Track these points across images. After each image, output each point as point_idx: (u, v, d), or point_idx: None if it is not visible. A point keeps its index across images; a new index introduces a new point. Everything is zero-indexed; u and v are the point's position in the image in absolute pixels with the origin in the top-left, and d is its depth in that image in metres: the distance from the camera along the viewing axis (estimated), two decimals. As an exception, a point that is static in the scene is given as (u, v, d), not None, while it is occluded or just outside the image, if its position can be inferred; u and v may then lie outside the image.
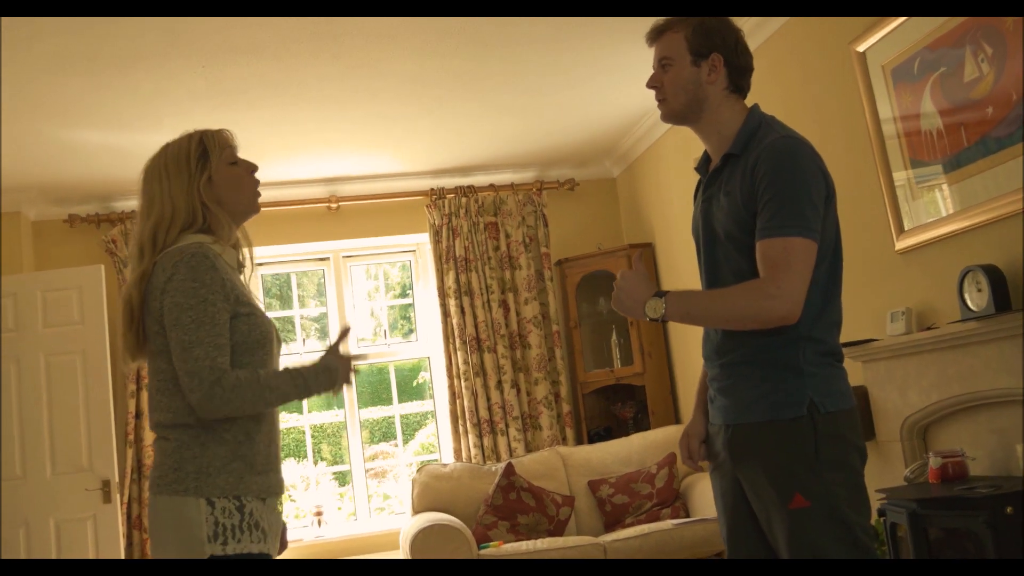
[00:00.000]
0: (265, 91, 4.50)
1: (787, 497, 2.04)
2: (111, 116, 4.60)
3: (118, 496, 5.17)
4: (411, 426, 6.92)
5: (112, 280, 5.66)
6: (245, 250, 2.27)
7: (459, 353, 5.95)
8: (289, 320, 6.48)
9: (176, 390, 2.01)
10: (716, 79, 2.27)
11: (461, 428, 5.94)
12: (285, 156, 5.48)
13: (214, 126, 4.67)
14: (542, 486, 5.13)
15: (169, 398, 2.02)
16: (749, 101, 2.32)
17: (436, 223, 6.11)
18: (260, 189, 2.27)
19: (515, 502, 4.97)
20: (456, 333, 5.97)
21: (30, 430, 5.19)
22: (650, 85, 2.37)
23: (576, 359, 6.12)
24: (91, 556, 5.11)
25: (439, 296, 6.06)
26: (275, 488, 2.09)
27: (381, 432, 6.79)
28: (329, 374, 2.10)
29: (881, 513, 3.17)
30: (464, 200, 6.13)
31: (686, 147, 5.21)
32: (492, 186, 6.20)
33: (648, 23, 2.35)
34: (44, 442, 5.19)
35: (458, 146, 5.75)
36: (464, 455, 5.88)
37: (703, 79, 2.27)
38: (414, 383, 6.75)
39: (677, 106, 2.33)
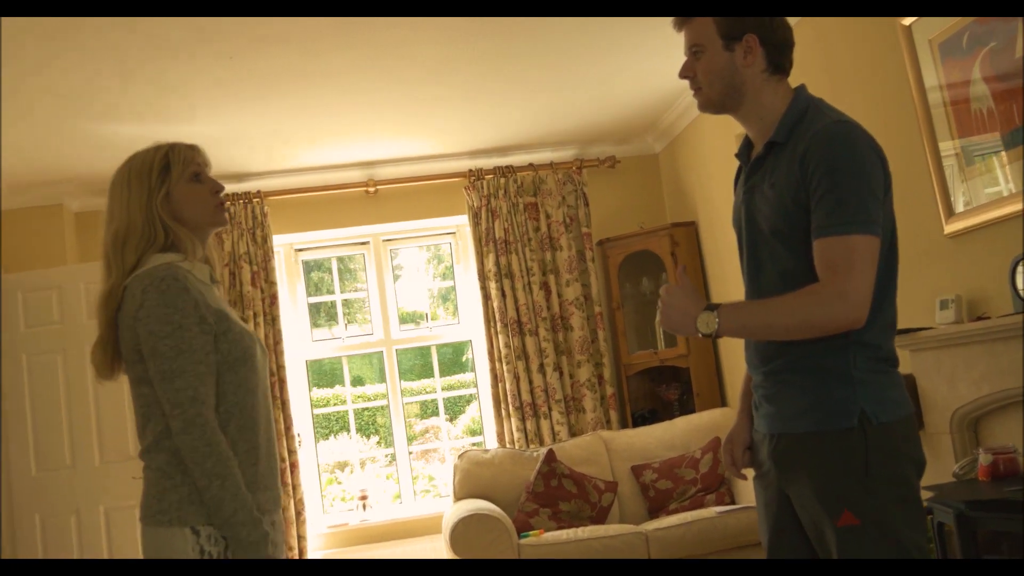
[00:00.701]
0: (294, 80, 4.45)
1: (835, 514, 1.92)
2: (143, 109, 4.58)
3: (164, 484, 5.22)
4: (459, 404, 6.91)
5: (154, 269, 5.70)
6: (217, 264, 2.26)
7: (500, 336, 5.89)
8: (331, 304, 6.47)
9: (159, 416, 1.99)
10: (753, 61, 2.11)
11: (503, 411, 5.89)
12: (320, 141, 5.44)
13: (246, 115, 4.73)
14: (584, 472, 5.07)
15: (152, 425, 2.01)
16: (794, 79, 2.17)
17: (475, 205, 6.03)
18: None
19: (556, 489, 4.91)
20: (497, 316, 5.91)
21: (78, 420, 5.26)
22: (683, 75, 2.23)
23: (619, 341, 6.03)
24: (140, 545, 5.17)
25: (479, 279, 5.99)
26: (265, 506, 2.06)
27: (431, 409, 6.77)
28: (255, 548, 1.97)
29: (928, 511, 3.05)
30: (503, 181, 6.04)
31: (731, 121, 5.04)
32: (531, 165, 6.10)
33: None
34: (92, 431, 5.27)
35: (495, 126, 5.65)
36: (507, 439, 5.84)
37: (739, 63, 2.12)
38: (463, 358, 6.72)
39: (714, 95, 2.18)
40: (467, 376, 6.55)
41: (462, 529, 4.44)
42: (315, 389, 6.44)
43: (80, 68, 4.04)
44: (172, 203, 2.12)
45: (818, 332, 1.92)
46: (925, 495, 3.11)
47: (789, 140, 2.08)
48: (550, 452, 5.02)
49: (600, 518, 4.91)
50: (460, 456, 5.27)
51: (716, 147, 5.40)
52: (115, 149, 5.02)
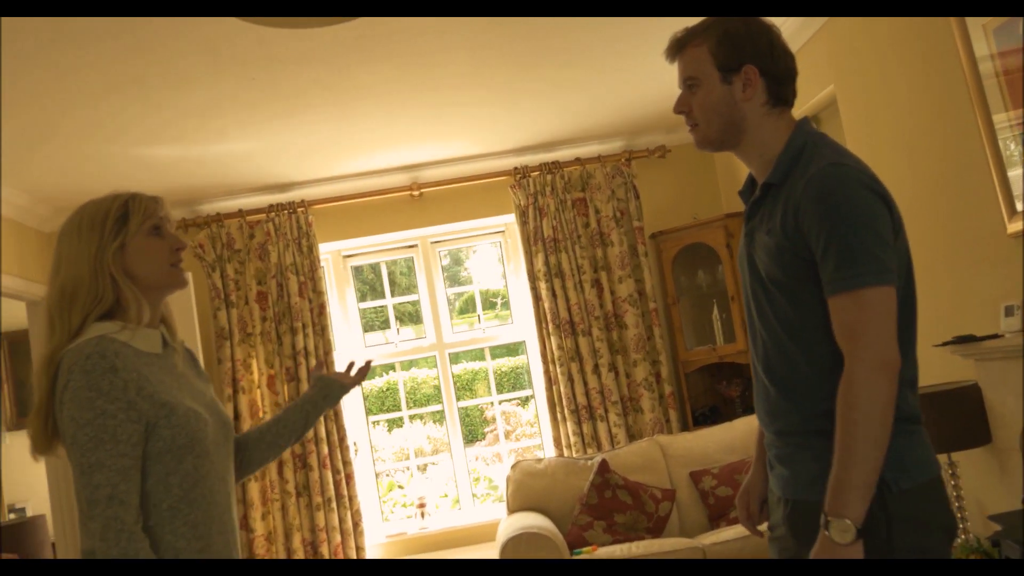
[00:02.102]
0: (322, 94, 4.35)
1: None
2: (172, 132, 4.54)
3: (220, 501, 5.22)
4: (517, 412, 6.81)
5: (201, 285, 5.69)
6: (170, 330, 2.04)
7: (552, 338, 5.74)
8: (382, 309, 6.40)
9: None
10: (753, 94, 1.94)
11: (559, 415, 5.75)
12: (360, 148, 5.34)
13: (279, 130, 4.63)
14: (640, 480, 4.90)
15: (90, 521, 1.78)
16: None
17: (522, 203, 5.87)
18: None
19: (611, 500, 4.76)
20: (548, 317, 5.76)
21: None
22: (677, 110, 2.06)
23: (676, 337, 5.82)
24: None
25: (529, 279, 5.84)
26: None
27: (511, 381, 6.68)
28: None
29: (995, 543, 2.82)
30: (549, 177, 5.86)
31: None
32: (578, 160, 5.91)
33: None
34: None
35: (538, 122, 5.47)
36: (563, 443, 5.70)
37: (737, 97, 1.95)
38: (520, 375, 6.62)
39: (712, 132, 2.01)
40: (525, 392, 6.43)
41: (512, 548, 4.33)
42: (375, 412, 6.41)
43: (107, 99, 4.01)
44: (126, 258, 1.92)
45: (889, 406, 1.72)
46: (991, 528, 2.89)
47: (785, 182, 1.91)
48: (603, 462, 4.87)
49: (657, 529, 4.74)
50: (513, 467, 5.15)
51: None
52: (153, 170, 5.09)
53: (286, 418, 2.23)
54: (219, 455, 1.95)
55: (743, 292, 2.05)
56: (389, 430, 7.84)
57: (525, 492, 4.97)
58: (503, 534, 4.51)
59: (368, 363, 2.34)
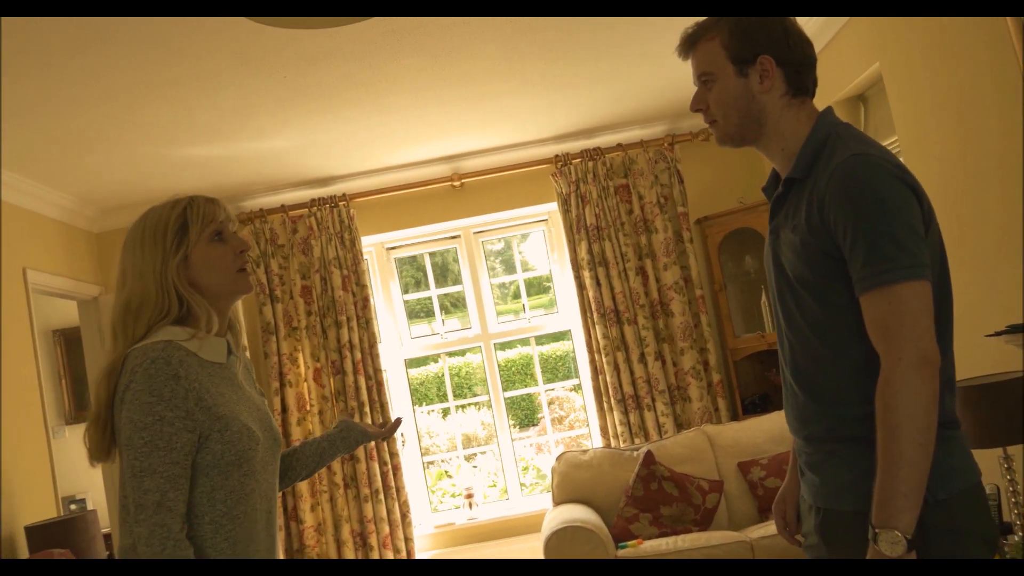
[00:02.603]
0: (355, 89, 4.32)
1: None
2: (210, 132, 4.57)
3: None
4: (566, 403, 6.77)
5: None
6: (234, 334, 2.02)
7: (597, 327, 5.67)
8: (427, 300, 6.40)
9: None
10: (771, 85, 1.87)
11: (606, 405, 5.70)
12: (399, 141, 5.31)
13: (315, 126, 4.63)
14: (687, 471, 4.83)
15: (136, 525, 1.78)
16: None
17: (563, 191, 5.80)
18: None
19: (657, 492, 4.70)
20: (593, 306, 5.69)
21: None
22: (694, 108, 1.99)
23: (724, 324, 5.72)
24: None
25: (572, 268, 5.78)
26: None
27: (562, 370, 6.64)
28: None
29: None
30: (591, 164, 5.78)
31: (831, 83, 4.65)
32: (620, 146, 5.81)
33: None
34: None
35: (578, 108, 5.38)
36: (610, 433, 5.65)
37: (755, 89, 1.88)
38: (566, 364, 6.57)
39: (731, 128, 1.94)
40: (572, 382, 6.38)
41: (556, 543, 4.29)
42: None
43: (141, 102, 4.04)
44: (190, 269, 1.88)
45: (932, 405, 1.63)
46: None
47: (809, 175, 1.84)
48: (648, 454, 4.80)
49: (705, 521, 4.67)
50: (558, 458, 5.11)
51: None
52: (195, 169, 5.13)
53: (302, 451, 2.22)
54: (266, 473, 1.94)
55: (770, 293, 1.98)
56: (444, 416, 7.88)
57: (570, 484, 4.94)
58: (547, 528, 4.48)
59: (399, 420, 2.30)
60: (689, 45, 1.93)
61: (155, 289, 1.85)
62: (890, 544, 1.60)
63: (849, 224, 1.70)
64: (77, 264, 5.33)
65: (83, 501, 6.63)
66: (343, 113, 4.64)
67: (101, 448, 1.85)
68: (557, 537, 4.30)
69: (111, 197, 5.34)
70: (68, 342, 6.71)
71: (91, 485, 6.48)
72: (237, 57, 3.74)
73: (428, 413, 7.31)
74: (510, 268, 6.65)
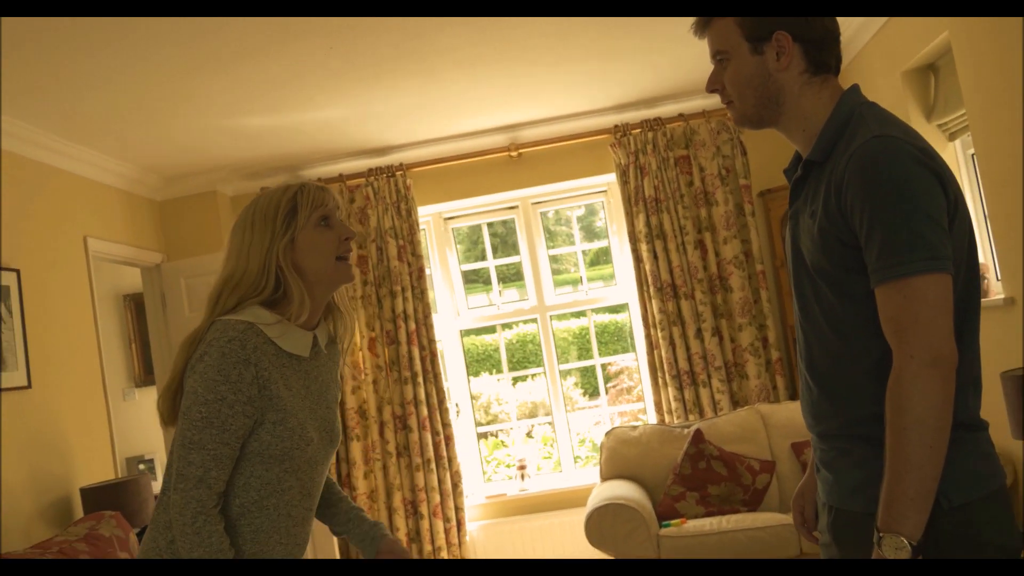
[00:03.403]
0: (404, 59, 4.29)
1: None
2: (259, 104, 4.59)
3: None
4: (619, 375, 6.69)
5: (304, 250, 5.79)
6: (339, 327, 2.05)
7: (654, 301, 5.58)
8: (484, 271, 6.37)
9: None
10: (788, 63, 1.78)
11: (661, 380, 5.61)
12: (453, 110, 5.27)
13: (369, 96, 4.63)
14: (737, 451, 4.73)
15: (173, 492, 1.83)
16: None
17: (622, 162, 5.70)
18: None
19: (705, 471, 4.62)
20: (650, 280, 5.60)
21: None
22: (709, 89, 1.91)
23: (785, 301, 5.56)
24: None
25: (630, 241, 5.68)
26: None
27: (623, 341, 6.58)
28: None
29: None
30: (651, 135, 5.65)
31: (899, 51, 4.45)
32: (681, 116, 5.67)
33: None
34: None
35: (636, 78, 5.26)
36: (664, 408, 5.57)
37: (771, 67, 1.79)
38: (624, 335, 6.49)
39: (748, 108, 1.86)
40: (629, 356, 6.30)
41: (597, 520, 4.26)
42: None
43: (190, 75, 4.06)
44: (295, 252, 1.90)
45: (945, 406, 1.54)
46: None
47: (829, 159, 1.73)
48: (698, 432, 4.72)
49: (754, 502, 4.57)
50: (607, 433, 5.06)
51: (884, 80, 4.78)
52: (251, 139, 5.18)
53: (336, 507, 2.22)
54: (311, 472, 1.94)
55: (790, 282, 1.90)
56: (514, 384, 7.89)
57: (618, 460, 4.89)
58: (589, 504, 4.44)
59: (407, 555, 2.27)
60: (703, 23, 1.85)
61: (257, 268, 1.88)
62: (894, 549, 1.53)
63: (866, 211, 1.60)
64: (139, 232, 5.44)
65: (151, 461, 6.84)
66: (395, 83, 4.61)
67: (171, 413, 1.89)
68: (598, 514, 4.26)
69: (172, 166, 5.43)
70: (138, 307, 6.89)
71: (159, 446, 6.68)
72: (282, 29, 3.73)
73: (498, 381, 7.32)
74: (568, 239, 6.58)
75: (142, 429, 6.68)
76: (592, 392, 9.94)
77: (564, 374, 6.86)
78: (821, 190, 1.72)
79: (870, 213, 1.60)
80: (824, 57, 1.80)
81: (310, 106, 4.75)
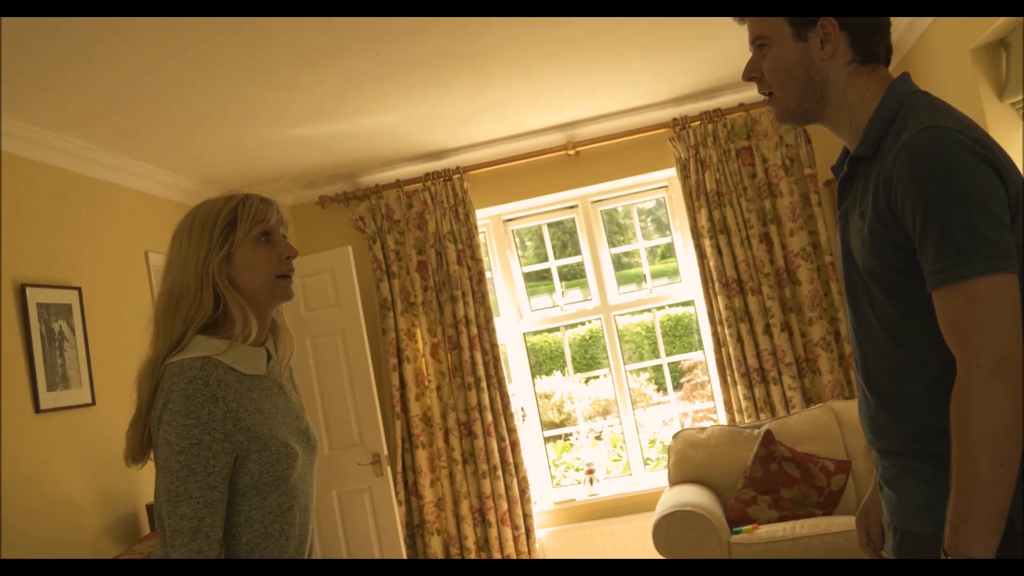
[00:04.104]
0: (452, 63, 4.22)
1: None
2: (310, 113, 4.57)
3: (388, 469, 5.33)
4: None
5: (363, 257, 5.78)
6: (280, 344, 1.97)
7: (719, 297, 5.42)
8: (546, 272, 6.29)
9: None
10: (833, 51, 1.66)
11: (729, 378, 5.45)
12: (507, 110, 5.18)
13: (419, 100, 4.59)
14: (810, 451, 4.56)
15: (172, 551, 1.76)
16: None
17: (682, 156, 5.55)
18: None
19: (776, 474, 4.45)
20: (714, 276, 5.44)
21: (307, 409, 5.45)
22: (747, 77, 1.80)
23: (857, 292, 5.34)
24: (370, 525, 5.35)
25: (692, 237, 5.53)
26: None
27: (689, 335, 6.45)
28: None
29: None
30: (711, 127, 5.50)
31: (966, 33, 4.23)
32: (742, 106, 5.50)
33: None
34: (320, 420, 5.46)
35: (693, 69, 5.10)
36: (734, 407, 5.40)
37: (815, 56, 1.68)
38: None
39: (790, 101, 1.74)
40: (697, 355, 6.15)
41: (664, 528, 4.13)
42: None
43: (239, 87, 4.05)
44: (232, 267, 1.84)
45: (1016, 417, 1.41)
46: None
47: (877, 153, 1.61)
48: (768, 433, 4.56)
49: (830, 504, 4.39)
50: (675, 436, 4.93)
51: (951, 59, 4.55)
52: (306, 148, 5.18)
53: None
54: (304, 485, 1.91)
55: (843, 286, 1.78)
56: (586, 382, 7.79)
57: (686, 463, 4.75)
58: (657, 511, 4.32)
59: None
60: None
61: (194, 283, 1.82)
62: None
63: (918, 210, 1.48)
64: (201, 245, 5.48)
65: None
66: (445, 86, 4.55)
67: (137, 450, 1.84)
68: (666, 522, 4.14)
69: (230, 178, 5.46)
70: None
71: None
72: (326, 37, 3.69)
73: (571, 381, 7.21)
74: (630, 237, 6.45)
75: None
76: (666, 388, 9.79)
77: (637, 370, 6.75)
78: (870, 188, 1.60)
79: (923, 211, 1.48)
80: (873, 46, 1.68)
81: (362, 113, 4.72)
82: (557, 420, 10.71)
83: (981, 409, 1.41)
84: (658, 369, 7.32)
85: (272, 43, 3.65)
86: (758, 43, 1.73)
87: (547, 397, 10.00)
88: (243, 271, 1.85)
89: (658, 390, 12.07)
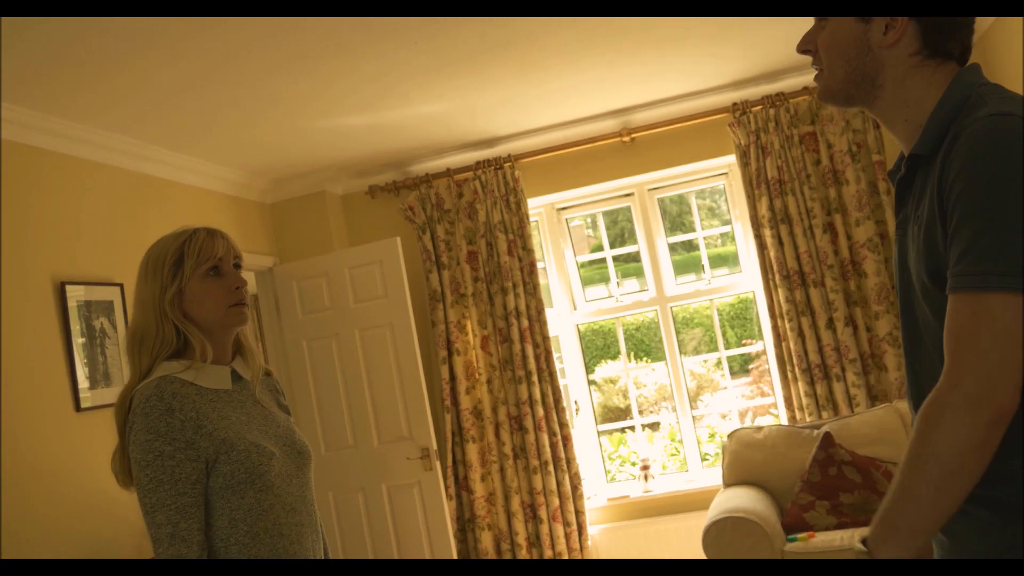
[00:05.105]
0: (494, 50, 4.08)
1: None
2: (353, 103, 4.47)
3: (438, 463, 5.25)
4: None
5: (412, 247, 5.68)
6: (247, 363, 2.09)
7: (780, 290, 5.19)
8: (601, 262, 6.12)
9: None
10: (897, 39, 1.47)
11: (790, 374, 5.23)
12: (557, 97, 5.01)
13: (465, 89, 4.46)
14: (872, 454, 4.33)
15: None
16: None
17: (742, 143, 5.32)
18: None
19: (835, 478, 4.24)
20: (775, 267, 5.21)
21: (355, 402, 5.41)
22: (800, 49, 1.63)
23: (927, 285, 5.07)
24: (420, 519, 5.28)
25: (752, 226, 5.31)
26: None
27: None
28: None
29: None
30: (773, 111, 5.25)
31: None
32: (806, 89, 5.24)
33: None
34: (368, 413, 5.40)
35: (754, 51, 4.86)
36: (795, 404, 5.19)
37: (874, 41, 1.48)
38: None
39: (834, 82, 1.57)
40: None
41: (715, 534, 3.96)
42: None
43: (286, 79, 3.97)
44: (184, 302, 1.96)
45: (971, 455, 1.28)
46: None
47: (937, 152, 1.41)
48: (827, 436, 4.34)
49: (892, 511, 4.17)
50: (730, 435, 4.74)
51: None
52: (354, 137, 5.09)
53: None
54: (288, 487, 1.97)
55: (898, 299, 1.60)
56: (650, 365, 7.64)
57: (742, 464, 4.57)
58: (708, 516, 4.15)
59: None
60: None
61: (154, 320, 1.95)
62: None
63: (959, 203, 1.30)
64: (250, 236, 5.45)
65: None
66: (489, 74, 4.41)
67: (123, 475, 1.96)
68: (716, 528, 3.97)
69: (278, 168, 5.41)
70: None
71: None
72: (362, 28, 3.59)
73: (629, 374, 7.05)
74: (688, 226, 6.24)
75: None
76: (736, 370, 9.56)
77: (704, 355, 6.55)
78: (927, 192, 1.41)
79: (963, 206, 1.29)
80: (946, 43, 1.47)
81: (406, 103, 4.61)
82: (622, 406, 10.56)
83: (943, 433, 1.28)
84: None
85: (303, 32, 3.55)
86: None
87: (612, 382, 9.85)
88: (195, 305, 1.96)
89: (724, 376, 11.84)
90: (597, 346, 10.23)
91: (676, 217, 6.45)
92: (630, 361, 11.20)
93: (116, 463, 1.94)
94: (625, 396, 10.80)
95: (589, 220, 7.14)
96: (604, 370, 8.69)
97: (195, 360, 1.94)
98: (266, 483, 1.91)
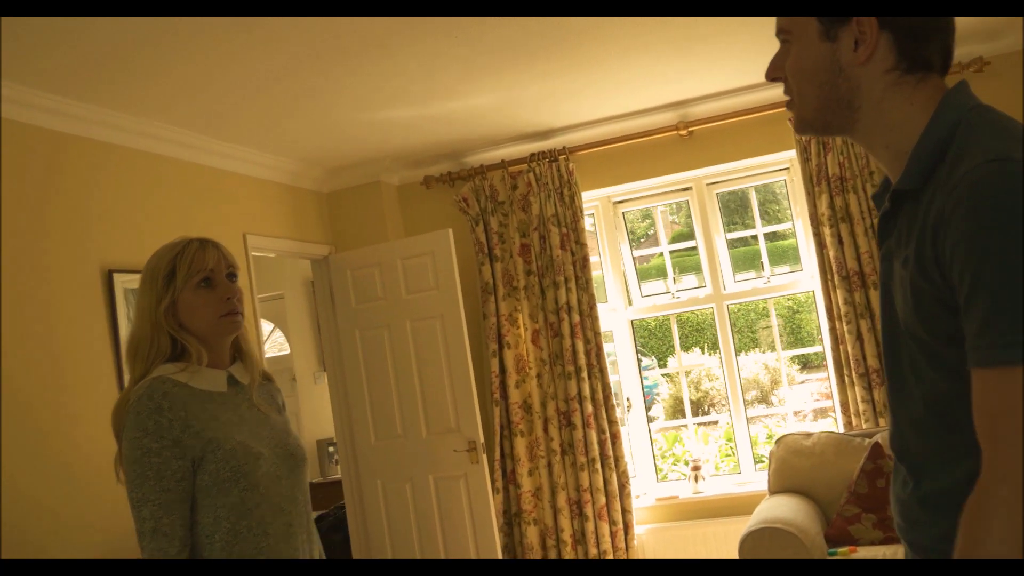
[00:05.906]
0: (540, 42, 4.01)
1: None
2: (399, 95, 4.45)
3: (484, 457, 5.24)
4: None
5: (464, 239, 5.65)
6: (245, 367, 2.16)
7: (839, 291, 5.02)
8: (658, 256, 6.01)
9: None
10: (868, 55, 1.35)
11: (847, 378, 5.06)
12: (610, 90, 4.92)
13: (511, 83, 4.40)
14: (926, 467, 4.16)
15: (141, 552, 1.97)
16: None
17: (802, 138, 5.15)
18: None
19: (884, 491, 4.09)
20: (834, 267, 5.04)
21: (405, 393, 5.44)
22: (769, 77, 1.52)
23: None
24: (466, 512, 5.28)
25: (812, 224, 5.14)
26: None
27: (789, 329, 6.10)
28: None
29: None
30: (836, 105, 5.05)
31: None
32: (872, 83, 5.03)
33: None
34: (418, 404, 5.42)
35: (817, 44, 4.69)
36: (851, 409, 5.02)
37: (844, 59, 1.37)
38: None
39: (807, 111, 1.46)
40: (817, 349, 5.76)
41: (751, 544, 3.86)
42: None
43: (329, 73, 3.98)
44: (178, 312, 2.04)
45: None
46: None
47: (926, 186, 1.29)
48: (875, 447, 4.18)
49: (943, 527, 4.00)
50: (777, 441, 4.61)
51: None
52: (407, 128, 5.10)
53: None
54: (276, 487, 2.02)
55: (882, 336, 1.48)
56: (718, 362, 7.49)
57: (788, 472, 4.44)
58: (748, 525, 4.04)
59: None
60: None
61: (149, 328, 2.02)
62: None
63: (970, 264, 1.17)
64: (305, 225, 5.51)
65: (335, 443, 7.03)
66: (537, 67, 4.35)
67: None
68: (753, 539, 3.87)
69: (333, 158, 5.45)
70: (322, 294, 7.06)
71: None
72: (400, 20, 3.56)
73: (680, 373, 6.93)
74: (748, 222, 6.08)
75: (327, 413, 6.86)
76: (805, 365, 9.31)
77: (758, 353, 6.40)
78: (915, 230, 1.29)
79: (975, 268, 1.17)
80: (924, 52, 1.35)
81: (454, 95, 4.58)
82: (694, 398, 10.40)
83: (1002, 520, 1.13)
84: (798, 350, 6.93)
85: (337, 24, 3.53)
86: (782, 37, 1.46)
87: (687, 372, 9.70)
88: (188, 315, 2.03)
89: (802, 369, 11.51)
90: (679, 335, 10.10)
91: (736, 211, 6.30)
92: (704, 353, 11.04)
93: (117, 462, 2.01)
94: (698, 388, 10.64)
95: (674, 206, 7.01)
96: (675, 362, 8.57)
97: (191, 363, 2.01)
98: (252, 482, 1.95)
